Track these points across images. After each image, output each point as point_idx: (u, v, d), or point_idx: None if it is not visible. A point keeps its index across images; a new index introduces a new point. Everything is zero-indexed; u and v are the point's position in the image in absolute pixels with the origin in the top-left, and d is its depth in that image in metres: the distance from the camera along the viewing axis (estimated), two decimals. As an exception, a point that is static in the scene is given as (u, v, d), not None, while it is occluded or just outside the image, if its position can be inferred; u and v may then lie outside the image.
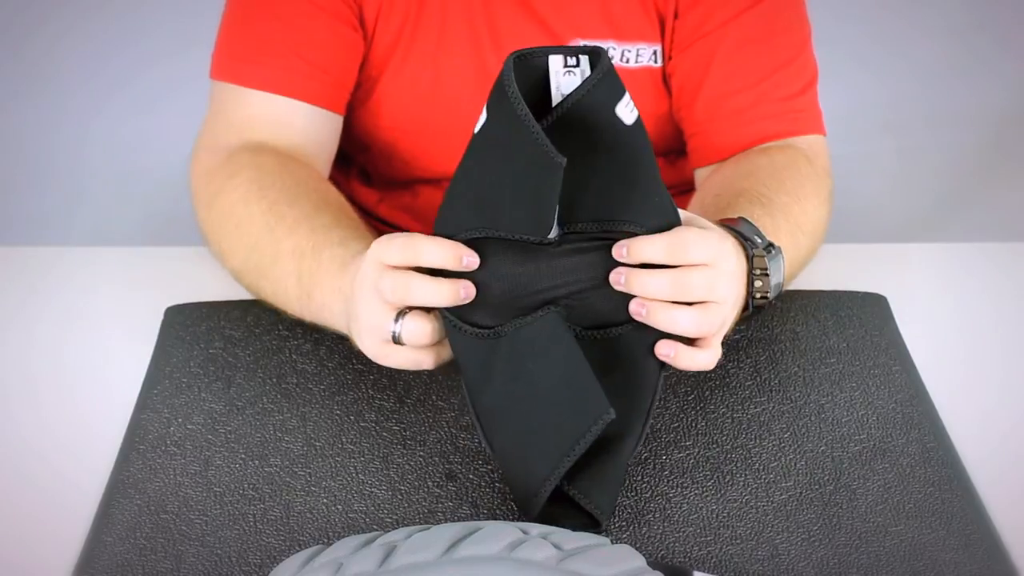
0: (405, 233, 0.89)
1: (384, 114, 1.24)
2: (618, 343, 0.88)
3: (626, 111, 0.84)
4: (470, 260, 0.85)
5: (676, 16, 1.18)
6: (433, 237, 0.87)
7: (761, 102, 1.17)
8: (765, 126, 1.17)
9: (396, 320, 0.88)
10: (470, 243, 0.85)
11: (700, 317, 0.87)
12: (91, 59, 2.36)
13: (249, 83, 1.15)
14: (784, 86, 1.18)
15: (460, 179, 0.87)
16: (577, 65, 0.84)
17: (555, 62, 0.84)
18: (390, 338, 0.89)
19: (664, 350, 0.87)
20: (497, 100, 0.83)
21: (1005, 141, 2.45)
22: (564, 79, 0.84)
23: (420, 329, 0.88)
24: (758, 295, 0.96)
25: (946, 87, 2.42)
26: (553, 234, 0.85)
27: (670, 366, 0.89)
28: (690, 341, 0.88)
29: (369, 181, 1.38)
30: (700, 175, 1.21)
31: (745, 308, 0.97)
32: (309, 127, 1.17)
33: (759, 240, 0.96)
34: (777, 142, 1.17)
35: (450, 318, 0.87)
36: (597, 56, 0.84)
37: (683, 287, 0.86)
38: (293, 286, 1.00)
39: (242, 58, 1.17)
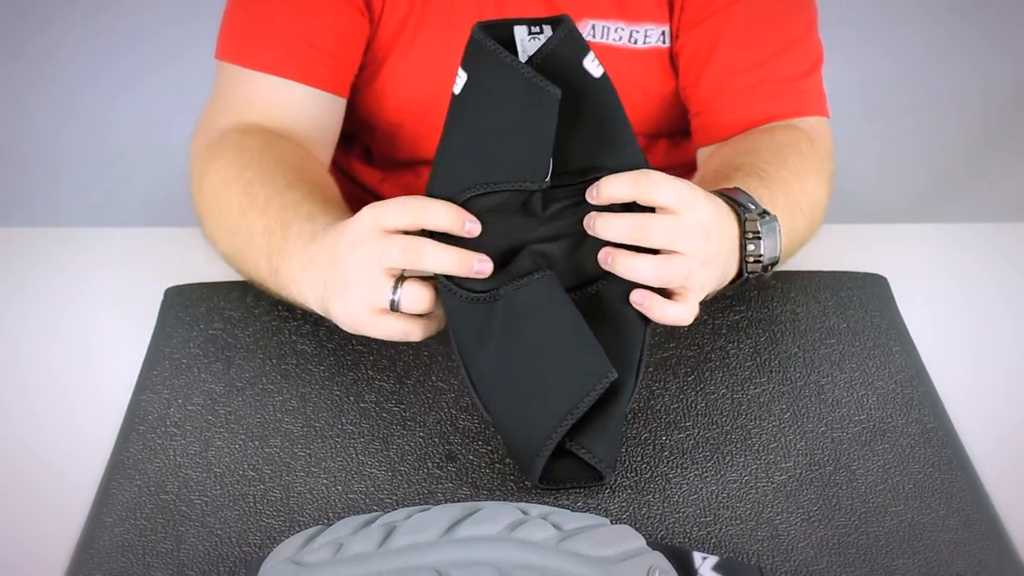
0: (403, 196, 0.89)
1: (389, 95, 1.24)
2: (598, 300, 0.89)
3: (593, 65, 0.87)
4: (472, 226, 0.86)
5: None
6: (437, 200, 0.87)
7: (766, 82, 1.17)
8: (769, 106, 1.17)
9: (395, 288, 0.88)
10: (466, 204, 0.87)
11: (660, 265, 0.87)
12: (90, 39, 2.35)
13: (250, 64, 1.15)
14: (789, 67, 1.17)
15: (449, 141, 0.89)
16: (541, 32, 0.87)
17: (520, 31, 0.87)
18: (387, 306, 0.88)
19: (637, 298, 0.88)
20: (476, 58, 0.86)
21: (1006, 121, 2.45)
22: (529, 44, 0.87)
23: (421, 296, 0.88)
24: (751, 259, 0.96)
25: (946, 67, 2.41)
26: (547, 180, 0.87)
27: (653, 321, 0.89)
28: (665, 294, 0.88)
29: (371, 161, 1.38)
30: (702, 154, 1.21)
31: (740, 276, 0.97)
32: (309, 109, 1.16)
33: (752, 207, 0.96)
34: (781, 122, 1.17)
35: (445, 282, 0.87)
36: (558, 23, 0.86)
37: (644, 230, 0.86)
38: (265, 265, 1.00)
39: (244, 39, 1.16)
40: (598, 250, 0.88)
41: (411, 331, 0.90)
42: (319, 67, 1.16)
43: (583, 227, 0.88)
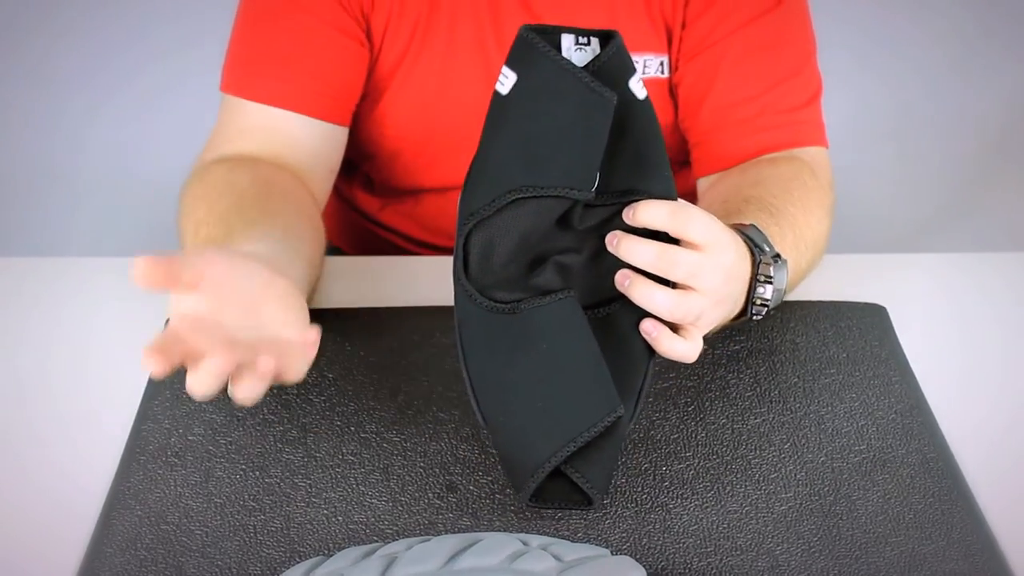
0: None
1: (390, 124, 1.25)
2: (608, 323, 0.89)
3: (638, 87, 0.87)
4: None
5: (683, 27, 1.18)
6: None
7: (765, 113, 1.17)
8: (769, 137, 1.17)
9: None
10: (509, 206, 0.85)
11: (676, 299, 0.87)
12: (94, 68, 2.36)
13: (251, 95, 1.16)
14: (788, 97, 1.18)
15: (494, 141, 0.87)
16: (588, 44, 0.86)
17: (567, 39, 0.86)
18: None
19: (647, 327, 0.88)
20: (527, 58, 0.85)
21: (1004, 150, 2.45)
22: (576, 55, 0.86)
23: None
24: (758, 301, 0.96)
25: (943, 98, 2.42)
26: (592, 192, 0.86)
27: (658, 354, 0.89)
28: (673, 327, 0.89)
29: (372, 189, 1.38)
30: (702, 184, 1.22)
31: (743, 314, 0.97)
32: (309, 139, 1.17)
33: (767, 248, 0.96)
34: (781, 153, 1.17)
35: (468, 288, 0.87)
36: (607, 37, 0.86)
37: (668, 261, 0.86)
38: None
39: (246, 72, 1.17)
40: (615, 270, 0.88)
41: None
42: (320, 98, 1.17)
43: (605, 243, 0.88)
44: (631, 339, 0.89)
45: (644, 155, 0.88)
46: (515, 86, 0.85)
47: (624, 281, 0.87)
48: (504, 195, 0.85)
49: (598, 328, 0.88)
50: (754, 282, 0.96)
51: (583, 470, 0.86)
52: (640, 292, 0.87)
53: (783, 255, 0.98)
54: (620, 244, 0.87)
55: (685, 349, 0.89)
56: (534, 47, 0.84)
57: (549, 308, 0.87)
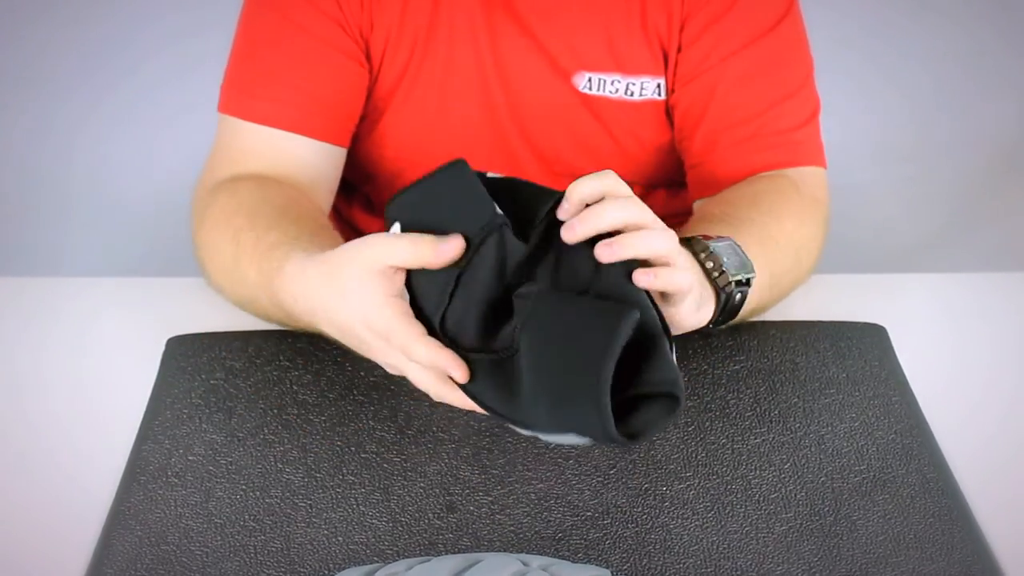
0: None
1: (389, 145, 1.25)
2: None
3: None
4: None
5: (679, 50, 1.18)
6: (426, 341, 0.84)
7: (761, 134, 1.18)
8: (761, 157, 1.18)
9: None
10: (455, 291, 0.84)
11: (667, 233, 0.85)
12: (95, 89, 2.37)
13: (250, 117, 1.17)
14: (785, 118, 1.18)
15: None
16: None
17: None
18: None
19: (642, 276, 0.82)
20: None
21: (1004, 171, 2.46)
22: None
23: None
24: (715, 274, 0.95)
25: (944, 118, 2.43)
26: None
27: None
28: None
29: (372, 209, 1.38)
30: (697, 208, 1.22)
31: (719, 297, 0.96)
32: (310, 160, 1.17)
33: (700, 239, 0.95)
34: (771, 172, 1.17)
35: (471, 356, 0.84)
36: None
37: (640, 210, 0.85)
38: (280, 316, 1.02)
39: (245, 92, 1.18)
40: (581, 273, 0.84)
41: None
42: (320, 119, 1.17)
43: (557, 255, 0.85)
44: (625, 289, 0.84)
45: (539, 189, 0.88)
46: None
47: (607, 248, 0.83)
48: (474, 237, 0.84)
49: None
50: (702, 265, 0.95)
51: (649, 382, 0.80)
52: (632, 239, 0.83)
53: (727, 243, 0.96)
54: (614, 244, 0.83)
55: (683, 277, 0.85)
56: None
57: (534, 318, 0.83)
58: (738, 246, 0.97)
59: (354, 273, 0.85)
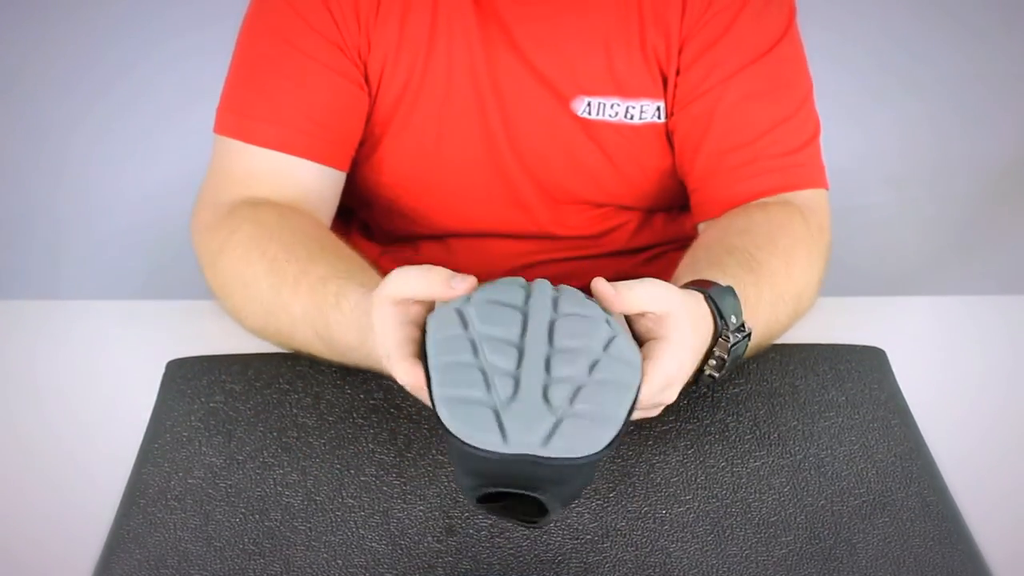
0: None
1: (387, 171, 1.25)
2: None
3: None
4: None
5: (678, 72, 1.19)
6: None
7: (762, 157, 1.17)
8: (763, 181, 1.17)
9: None
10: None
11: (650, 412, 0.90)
12: (93, 110, 2.37)
13: (252, 140, 1.16)
14: (784, 141, 1.18)
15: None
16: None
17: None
18: None
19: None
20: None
21: (1003, 193, 2.46)
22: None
23: None
24: (706, 371, 0.97)
25: (943, 140, 2.43)
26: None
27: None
28: None
29: (371, 235, 1.39)
30: (701, 230, 1.22)
31: (694, 381, 0.97)
32: (311, 184, 1.17)
33: (734, 319, 0.96)
34: (775, 197, 1.17)
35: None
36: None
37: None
38: (323, 349, 1.02)
39: (246, 114, 1.17)
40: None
41: None
42: (319, 142, 1.17)
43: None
44: None
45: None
46: None
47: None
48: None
49: None
50: (708, 352, 0.96)
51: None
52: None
53: (750, 323, 0.97)
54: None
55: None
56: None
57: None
58: (748, 343, 0.97)
59: (375, 303, 0.87)
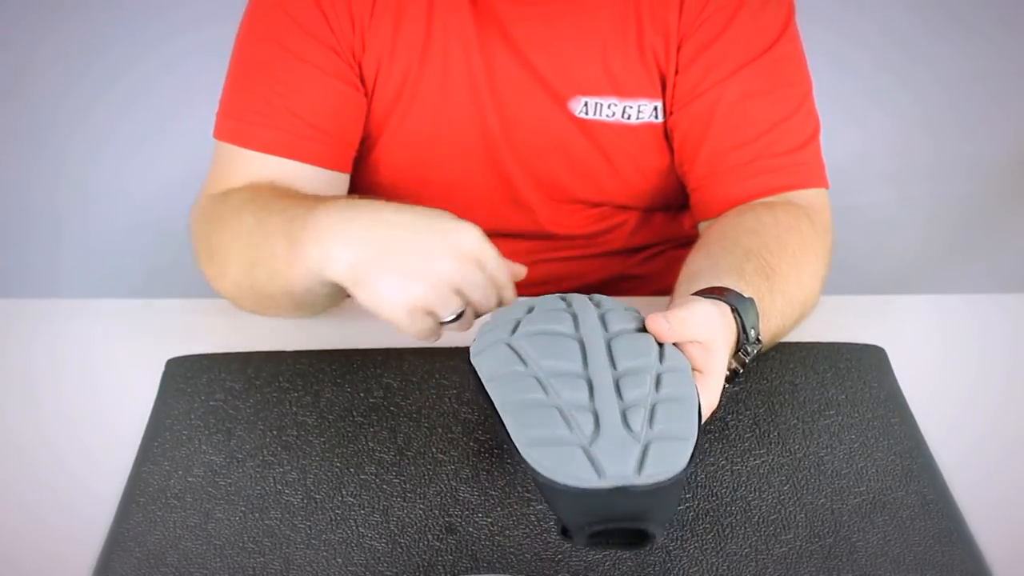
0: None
1: (384, 171, 1.25)
2: None
3: None
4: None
5: (676, 72, 1.19)
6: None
7: (762, 156, 1.17)
8: (764, 180, 1.17)
9: (459, 311, 0.97)
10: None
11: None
12: (93, 110, 2.37)
13: (252, 145, 1.16)
14: (785, 140, 1.18)
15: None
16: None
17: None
18: (440, 316, 0.96)
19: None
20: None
21: (1003, 192, 2.46)
22: None
23: (469, 324, 0.99)
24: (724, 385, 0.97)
25: (943, 139, 2.43)
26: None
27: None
28: None
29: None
30: (702, 228, 1.22)
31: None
32: (312, 187, 1.17)
33: (752, 332, 0.96)
34: (778, 196, 1.17)
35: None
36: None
37: None
38: (282, 245, 1.01)
39: (244, 119, 1.17)
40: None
41: (435, 336, 0.98)
42: (318, 146, 1.17)
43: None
44: None
45: None
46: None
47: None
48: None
49: None
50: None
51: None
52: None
53: (762, 332, 0.98)
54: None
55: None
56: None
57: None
58: (757, 351, 0.98)
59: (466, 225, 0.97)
